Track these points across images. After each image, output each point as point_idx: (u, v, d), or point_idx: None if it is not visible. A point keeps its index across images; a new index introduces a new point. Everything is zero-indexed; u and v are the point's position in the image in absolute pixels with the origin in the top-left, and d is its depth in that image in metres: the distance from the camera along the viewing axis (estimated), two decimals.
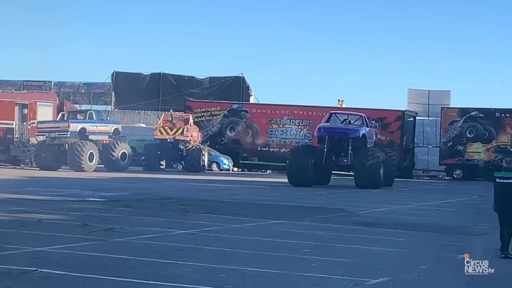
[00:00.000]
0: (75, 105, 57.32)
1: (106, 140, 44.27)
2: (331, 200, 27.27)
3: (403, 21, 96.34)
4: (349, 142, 36.21)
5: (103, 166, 44.03)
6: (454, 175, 51.76)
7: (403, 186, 39.42)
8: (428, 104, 58.77)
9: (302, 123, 53.55)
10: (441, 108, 53.91)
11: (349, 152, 36.07)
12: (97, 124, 44.13)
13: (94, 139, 43.52)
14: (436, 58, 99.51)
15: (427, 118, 57.59)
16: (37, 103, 47.89)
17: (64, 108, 49.70)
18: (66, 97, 59.40)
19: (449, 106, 55.53)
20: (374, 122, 52.00)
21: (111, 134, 44.92)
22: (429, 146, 55.06)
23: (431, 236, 17.15)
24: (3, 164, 45.36)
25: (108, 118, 49.04)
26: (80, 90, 65.83)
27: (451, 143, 51.84)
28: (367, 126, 38.63)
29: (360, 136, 36.64)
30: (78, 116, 45.78)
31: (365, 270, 12.46)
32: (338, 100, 57.55)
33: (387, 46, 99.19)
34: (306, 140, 53.07)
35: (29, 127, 46.30)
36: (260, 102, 60.20)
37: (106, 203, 22.15)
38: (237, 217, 19.35)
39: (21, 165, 45.72)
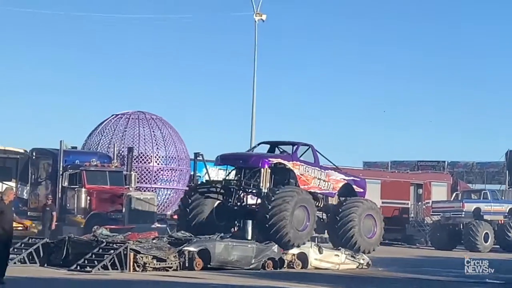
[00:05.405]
0: (469, 185, 57.39)
1: (501, 220, 43.87)
2: None
3: None
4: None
5: (498, 246, 43.36)
6: None
7: None
8: None
9: None
10: None
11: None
12: (492, 204, 44.05)
13: (489, 219, 43.35)
14: None
15: None
16: (431, 182, 48.95)
17: (458, 188, 50.37)
18: (459, 177, 59.55)
19: None
20: None
21: (506, 213, 44.43)
22: None
23: None
24: (399, 243, 46.45)
25: (502, 197, 48.54)
26: (474, 170, 65.62)
27: None
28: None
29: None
30: (472, 195, 46.24)
31: None
32: None
33: None
34: None
35: (424, 206, 47.35)
36: None
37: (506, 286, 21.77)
38: None
39: (416, 244, 46.53)
